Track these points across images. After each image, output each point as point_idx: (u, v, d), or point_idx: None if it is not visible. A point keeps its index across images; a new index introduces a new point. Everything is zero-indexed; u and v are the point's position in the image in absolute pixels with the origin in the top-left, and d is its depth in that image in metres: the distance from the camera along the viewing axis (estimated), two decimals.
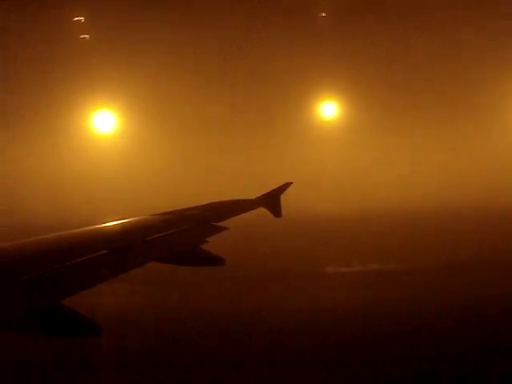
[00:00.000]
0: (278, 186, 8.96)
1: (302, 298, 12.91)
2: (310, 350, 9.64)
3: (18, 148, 22.94)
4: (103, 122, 23.29)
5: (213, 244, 5.38)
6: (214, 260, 5.23)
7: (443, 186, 22.43)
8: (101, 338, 3.25)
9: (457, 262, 16.36)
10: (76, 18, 21.67)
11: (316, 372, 8.96)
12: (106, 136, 23.22)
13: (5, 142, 22.72)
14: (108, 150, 22.85)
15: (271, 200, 8.80)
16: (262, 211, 8.70)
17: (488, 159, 23.13)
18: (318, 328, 10.72)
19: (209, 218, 6.28)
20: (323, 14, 22.17)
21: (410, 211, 21.42)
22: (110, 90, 22.53)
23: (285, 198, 8.90)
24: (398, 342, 9.95)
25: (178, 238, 5.25)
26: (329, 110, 23.62)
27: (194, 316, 11.56)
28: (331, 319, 11.22)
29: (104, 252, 4.07)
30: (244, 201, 8.23)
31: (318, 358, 9.31)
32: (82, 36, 22.00)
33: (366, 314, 11.53)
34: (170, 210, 6.46)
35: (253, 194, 8.84)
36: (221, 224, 6.21)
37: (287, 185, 9.04)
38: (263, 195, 8.77)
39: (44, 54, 21.89)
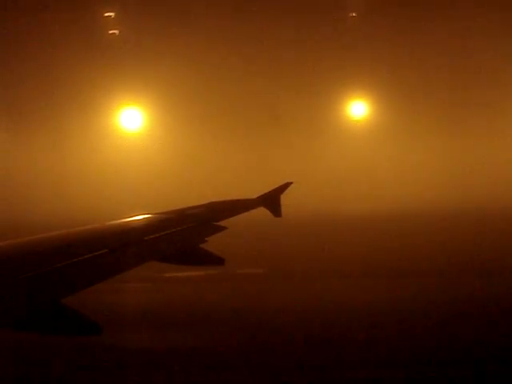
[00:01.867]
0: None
1: (301, 298, 12.93)
2: (309, 348, 9.66)
3: (45, 144, 22.99)
4: (130, 119, 23.30)
5: (212, 243, 5.40)
6: (214, 259, 5.24)
7: (477, 187, 21.98)
8: (101, 337, 3.26)
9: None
10: (106, 14, 21.73)
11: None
12: (133, 134, 23.24)
13: (31, 138, 22.81)
14: (134, 147, 22.86)
15: (271, 200, 8.82)
16: (261, 211, 8.72)
17: None
18: (320, 327, 10.73)
19: (209, 217, 6.29)
20: (353, 14, 22.21)
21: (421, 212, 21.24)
22: (139, 86, 22.53)
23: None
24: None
25: (177, 237, 5.26)
26: (358, 109, 23.62)
27: (192, 315, 11.58)
28: (332, 318, 11.24)
29: (104, 251, 4.08)
30: (244, 200, 8.25)
31: (320, 358, 9.32)
32: (111, 31, 22.04)
33: (369, 313, 11.55)
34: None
35: (260, 193, 8.87)
36: (221, 223, 6.23)
37: (287, 184, 9.06)
38: (263, 195, 8.79)
39: (72, 50, 21.92)
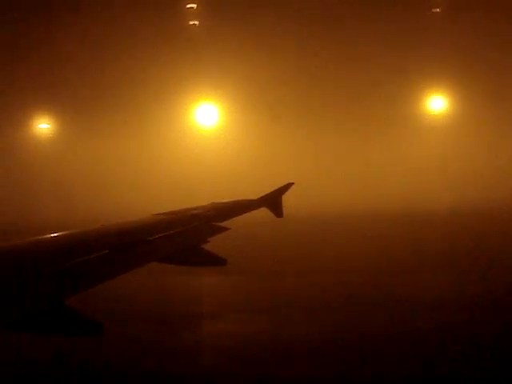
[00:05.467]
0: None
1: (302, 297, 12.92)
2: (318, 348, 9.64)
3: (123, 138, 22.96)
4: (206, 114, 23.08)
5: (214, 244, 5.39)
6: (216, 260, 5.24)
7: None
8: (103, 338, 3.26)
9: None
10: (189, 6, 21.68)
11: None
12: (208, 130, 23.08)
13: (108, 133, 22.79)
14: (208, 142, 22.69)
15: (273, 200, 8.84)
16: (263, 211, 8.73)
17: None
18: (322, 326, 10.72)
19: (211, 218, 6.28)
20: (437, 10, 22.18)
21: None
22: (216, 80, 22.33)
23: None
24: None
25: (179, 237, 5.25)
26: (437, 104, 23.41)
27: (195, 316, 11.58)
28: (336, 318, 11.24)
29: (105, 252, 4.07)
30: (246, 201, 8.25)
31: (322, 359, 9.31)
32: (191, 22, 21.96)
33: (370, 309, 11.56)
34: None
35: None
36: (223, 224, 6.22)
37: (289, 185, 9.07)
38: (265, 195, 8.81)
39: (151, 42, 21.85)
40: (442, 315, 11.23)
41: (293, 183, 9.16)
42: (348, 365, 9.04)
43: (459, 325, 10.64)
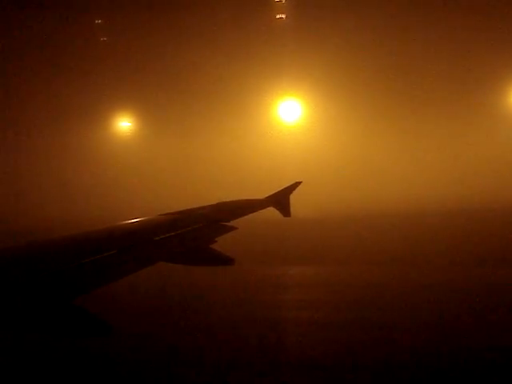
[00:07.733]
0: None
1: (309, 297, 12.91)
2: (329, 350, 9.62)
3: (204, 135, 22.96)
4: (289, 110, 22.80)
5: (222, 244, 5.39)
6: (223, 260, 5.24)
7: None
8: (111, 338, 3.26)
9: None
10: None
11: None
12: (290, 125, 22.86)
13: (190, 130, 22.77)
14: (289, 138, 22.49)
15: (280, 199, 8.82)
16: (271, 211, 8.72)
17: None
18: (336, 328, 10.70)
19: (218, 217, 6.28)
20: None
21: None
22: (299, 75, 22.11)
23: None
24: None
25: (186, 237, 5.26)
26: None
27: (203, 316, 11.58)
28: (340, 318, 11.21)
29: (113, 252, 4.08)
30: (253, 200, 8.25)
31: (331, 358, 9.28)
32: (278, 16, 21.78)
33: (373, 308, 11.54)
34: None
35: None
36: (230, 224, 6.22)
37: (296, 184, 9.04)
38: (272, 195, 8.79)
39: (238, 35, 21.74)
40: None
41: (300, 182, 9.12)
42: None
43: None
